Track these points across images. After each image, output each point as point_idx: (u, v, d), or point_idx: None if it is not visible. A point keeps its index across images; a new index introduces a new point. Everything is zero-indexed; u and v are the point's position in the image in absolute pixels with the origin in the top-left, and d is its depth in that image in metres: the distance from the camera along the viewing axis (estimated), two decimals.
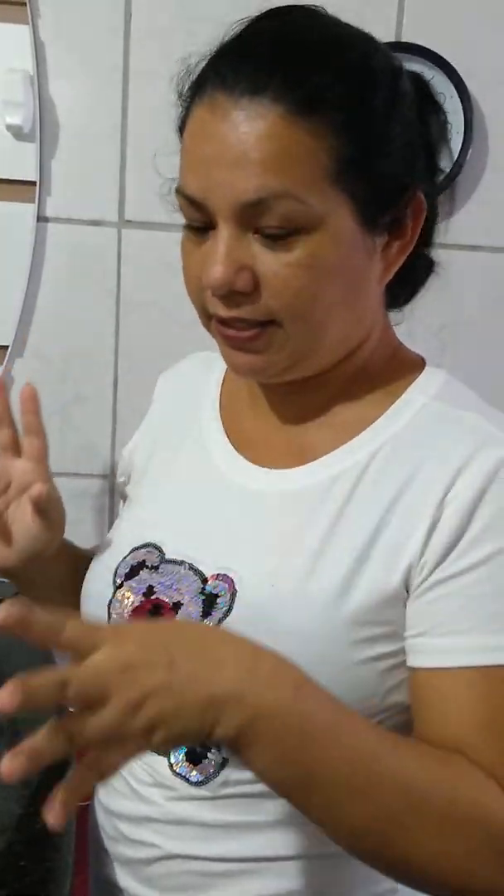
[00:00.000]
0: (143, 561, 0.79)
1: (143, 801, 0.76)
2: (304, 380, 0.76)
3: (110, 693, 0.56)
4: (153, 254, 1.42)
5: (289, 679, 0.61)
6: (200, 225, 0.70)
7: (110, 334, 1.47)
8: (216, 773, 0.72)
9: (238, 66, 0.67)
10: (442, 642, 0.68)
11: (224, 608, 0.72)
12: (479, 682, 0.67)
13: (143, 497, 0.88)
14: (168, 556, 0.78)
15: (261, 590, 0.72)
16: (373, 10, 1.34)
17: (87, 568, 0.85)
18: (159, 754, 0.74)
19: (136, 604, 0.77)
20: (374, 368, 0.78)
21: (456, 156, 1.38)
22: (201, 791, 0.73)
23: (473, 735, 0.66)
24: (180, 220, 0.73)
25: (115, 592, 0.79)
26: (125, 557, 0.81)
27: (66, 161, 1.41)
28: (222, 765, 0.72)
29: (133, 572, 0.79)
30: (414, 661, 0.70)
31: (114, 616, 0.78)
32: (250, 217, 0.67)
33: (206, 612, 0.73)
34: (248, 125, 0.66)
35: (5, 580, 0.89)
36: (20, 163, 1.40)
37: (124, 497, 0.95)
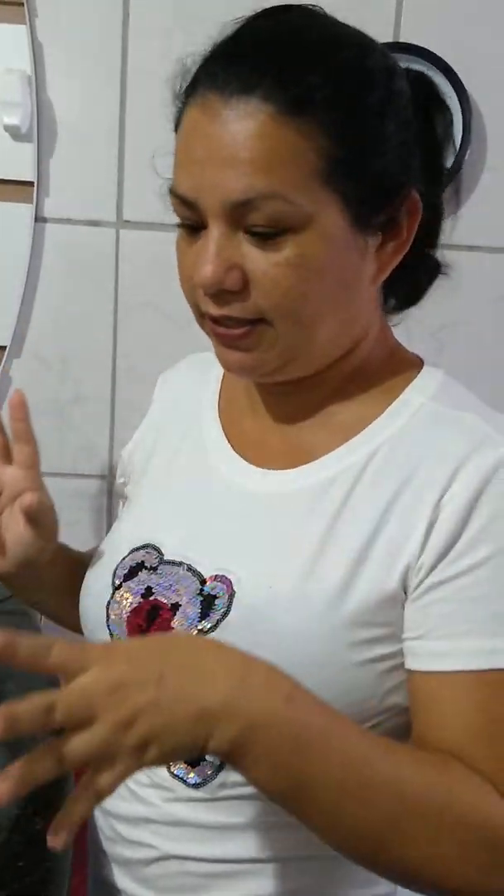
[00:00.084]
0: (142, 562, 0.79)
1: (141, 803, 0.76)
2: (300, 380, 0.76)
3: (98, 713, 0.56)
4: (151, 254, 1.42)
5: (281, 689, 0.61)
6: (193, 224, 0.70)
7: (108, 335, 1.47)
8: (214, 775, 0.72)
9: (230, 65, 0.68)
10: (439, 646, 0.68)
11: (222, 609, 0.72)
12: (476, 686, 0.67)
13: (142, 498, 0.88)
14: (167, 557, 0.78)
15: (259, 591, 0.72)
16: (371, 10, 1.33)
17: (83, 571, 0.85)
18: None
19: (135, 605, 0.77)
20: (371, 368, 0.78)
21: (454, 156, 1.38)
22: (199, 793, 0.73)
23: (470, 739, 0.66)
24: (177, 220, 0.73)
25: (113, 593, 0.79)
26: (124, 558, 0.80)
27: (64, 161, 1.41)
28: (220, 767, 0.72)
29: (132, 573, 0.79)
30: (412, 664, 0.70)
31: (112, 617, 0.78)
32: (240, 216, 0.67)
33: (204, 614, 0.73)
34: (238, 125, 0.66)
35: None
36: (18, 163, 1.39)
37: (124, 498, 0.95)
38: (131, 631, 0.76)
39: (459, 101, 1.37)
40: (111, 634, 0.78)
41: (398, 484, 0.71)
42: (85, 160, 1.41)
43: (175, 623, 0.74)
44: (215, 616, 0.72)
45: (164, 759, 0.59)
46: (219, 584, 0.74)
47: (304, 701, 0.62)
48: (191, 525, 0.79)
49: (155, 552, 0.79)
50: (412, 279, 0.80)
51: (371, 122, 0.69)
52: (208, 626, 0.72)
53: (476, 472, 0.69)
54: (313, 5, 0.74)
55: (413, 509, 0.70)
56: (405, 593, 0.70)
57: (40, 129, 1.39)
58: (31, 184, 1.40)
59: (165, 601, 0.75)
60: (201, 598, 0.74)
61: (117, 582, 0.79)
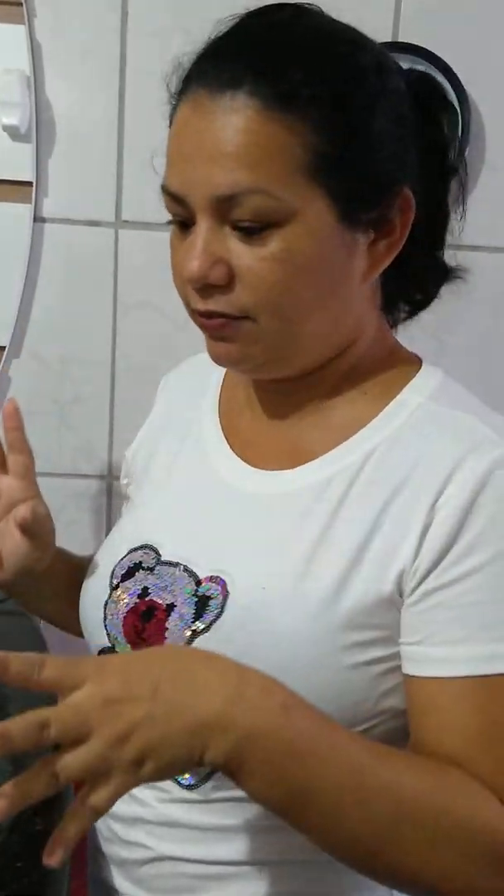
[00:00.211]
0: (140, 562, 0.79)
1: (137, 803, 0.76)
2: (296, 379, 0.76)
3: (93, 729, 0.56)
4: (150, 254, 1.41)
5: (275, 699, 0.61)
6: (184, 220, 0.71)
7: (107, 335, 1.47)
8: (209, 776, 0.72)
9: (219, 62, 0.68)
10: (437, 652, 0.68)
11: (216, 610, 0.72)
12: (474, 691, 0.66)
13: (143, 498, 0.88)
14: (164, 557, 0.78)
15: (252, 592, 0.71)
16: (370, 9, 1.33)
17: (82, 577, 0.85)
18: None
19: (131, 605, 0.77)
20: (368, 368, 0.78)
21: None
22: (193, 794, 0.73)
23: (469, 745, 0.66)
24: None
25: (111, 593, 0.79)
26: (122, 558, 0.80)
27: (63, 161, 1.41)
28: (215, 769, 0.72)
29: (129, 573, 0.79)
30: (409, 669, 0.69)
31: (109, 617, 0.78)
32: (225, 211, 0.67)
33: (199, 614, 0.72)
34: (225, 120, 0.66)
35: None
36: (17, 163, 1.39)
37: (127, 498, 0.95)
38: (127, 631, 0.76)
39: (458, 100, 1.37)
40: (108, 634, 0.78)
41: (394, 485, 0.71)
42: (84, 160, 1.41)
43: (170, 624, 0.74)
44: (209, 617, 0.72)
45: (161, 773, 0.59)
46: (213, 584, 0.73)
47: (300, 710, 0.62)
48: (189, 526, 0.79)
49: (153, 552, 0.79)
50: (418, 282, 0.80)
51: (360, 119, 0.68)
52: (202, 626, 0.72)
53: (471, 476, 0.68)
54: (310, 4, 0.74)
55: (408, 512, 0.69)
56: (401, 597, 0.70)
57: (39, 130, 1.39)
58: (29, 184, 1.40)
59: (161, 602, 0.75)
60: (196, 599, 0.73)
61: (115, 582, 0.79)
